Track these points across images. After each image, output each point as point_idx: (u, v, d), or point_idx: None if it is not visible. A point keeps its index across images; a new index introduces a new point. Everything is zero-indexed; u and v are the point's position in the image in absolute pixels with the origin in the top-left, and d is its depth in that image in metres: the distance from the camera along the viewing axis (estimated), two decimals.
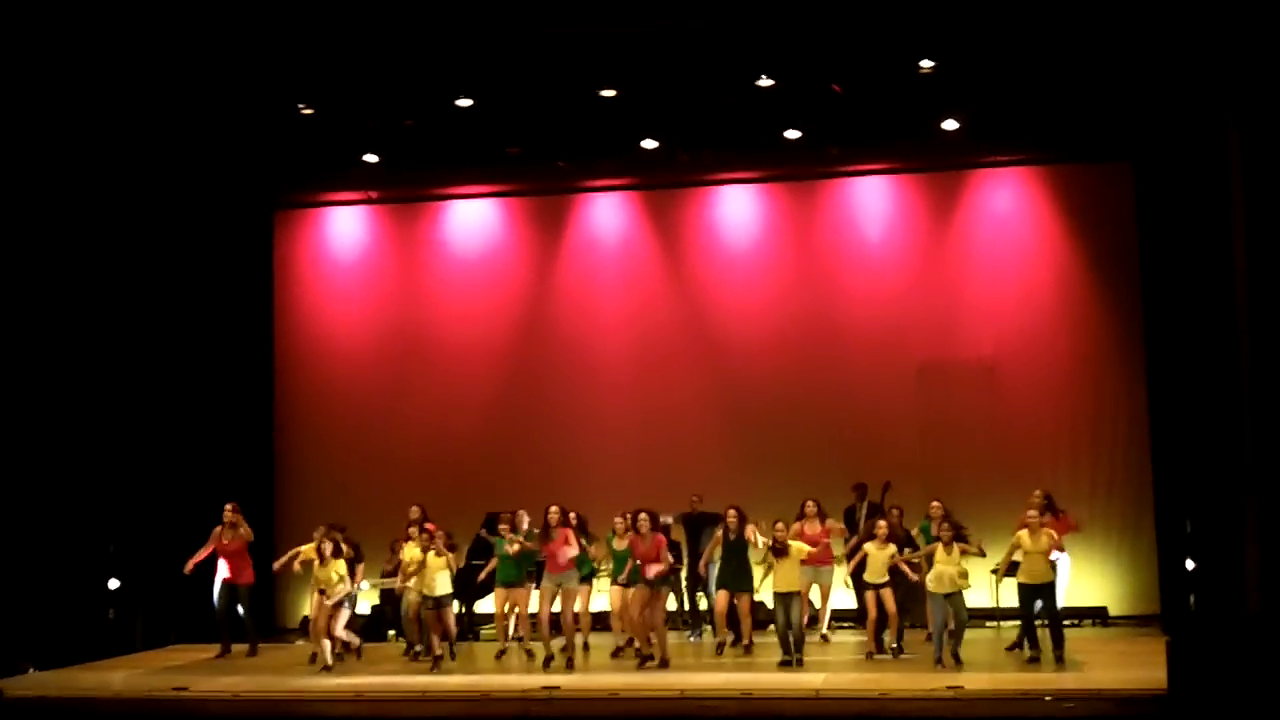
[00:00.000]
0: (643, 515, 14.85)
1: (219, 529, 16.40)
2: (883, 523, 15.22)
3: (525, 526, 15.82)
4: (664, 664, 14.58)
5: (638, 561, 14.83)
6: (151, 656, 16.75)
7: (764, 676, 14.06)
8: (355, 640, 15.73)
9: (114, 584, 17.40)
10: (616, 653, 15.63)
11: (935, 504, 15.17)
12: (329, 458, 19.71)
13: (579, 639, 15.69)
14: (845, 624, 17.31)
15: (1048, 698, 12.54)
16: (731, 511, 15.09)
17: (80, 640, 16.47)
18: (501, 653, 15.73)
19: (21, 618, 15.80)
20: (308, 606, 18.87)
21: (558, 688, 13.54)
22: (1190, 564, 16.62)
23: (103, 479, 17.29)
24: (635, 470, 18.69)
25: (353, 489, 18.93)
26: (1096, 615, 17.54)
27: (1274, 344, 14.16)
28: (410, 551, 15.24)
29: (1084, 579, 17.17)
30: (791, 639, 14.56)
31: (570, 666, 14.82)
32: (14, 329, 16.27)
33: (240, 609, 16.53)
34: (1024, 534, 14.42)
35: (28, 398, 16.42)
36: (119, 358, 17.74)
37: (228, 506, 16.48)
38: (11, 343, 16.25)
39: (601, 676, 14.28)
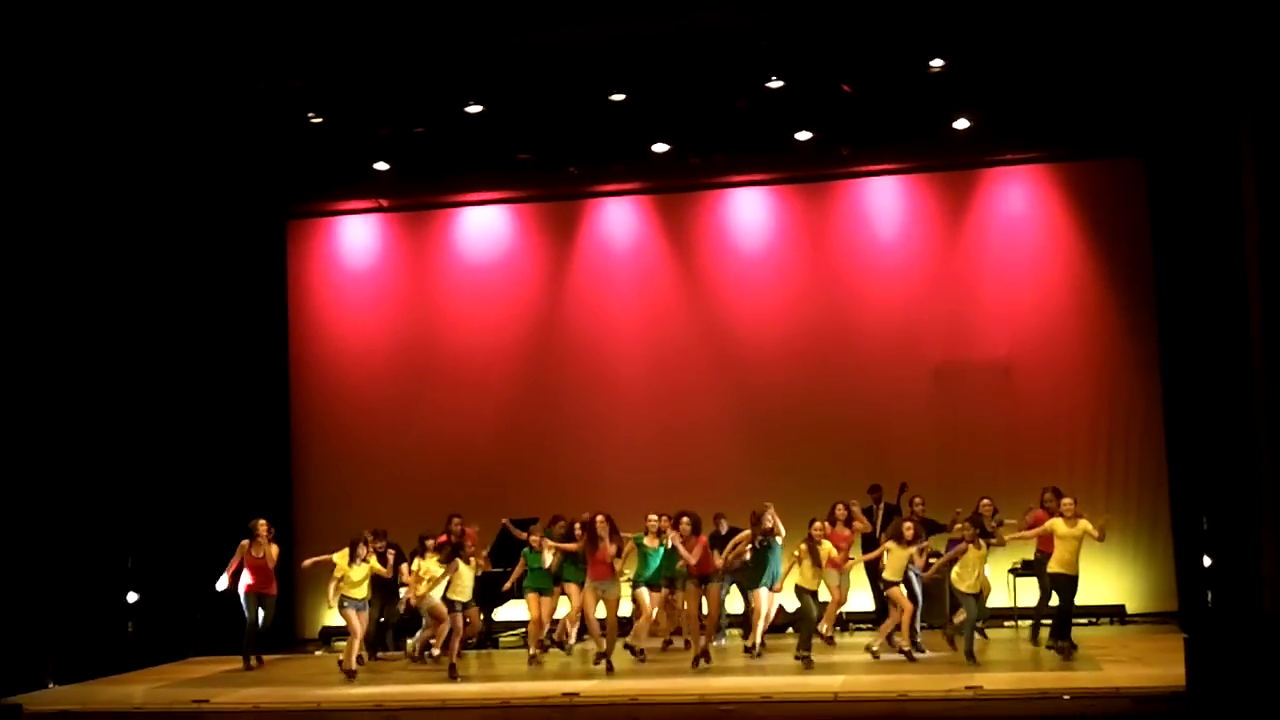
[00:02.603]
0: (684, 519, 14.99)
1: (246, 543, 16.36)
2: (908, 524, 15.24)
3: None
4: (705, 657, 14.75)
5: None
6: (171, 669, 16.78)
7: (783, 679, 14.06)
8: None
9: (132, 597, 17.46)
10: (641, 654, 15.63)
11: (985, 501, 15.38)
12: (344, 467, 19.72)
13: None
14: (863, 625, 17.33)
15: (1066, 696, 12.55)
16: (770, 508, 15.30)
17: (100, 654, 16.50)
18: (533, 658, 15.76)
19: (41, 632, 15.81)
20: (327, 617, 19.05)
21: (577, 694, 13.56)
22: (1207, 561, 16.62)
23: (120, 492, 17.32)
24: (650, 473, 18.70)
25: (369, 498, 18.94)
26: (1114, 613, 17.53)
27: None
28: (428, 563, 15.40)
29: (1101, 577, 17.18)
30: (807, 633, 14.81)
31: (610, 670, 14.85)
32: (27, 343, 16.28)
33: (261, 619, 16.49)
34: (1059, 521, 14.53)
35: (43, 412, 16.44)
36: (135, 371, 17.77)
37: (262, 523, 16.46)
38: (26, 356, 16.26)
39: (622, 682, 14.29)
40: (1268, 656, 11.38)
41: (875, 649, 15.05)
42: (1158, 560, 17.70)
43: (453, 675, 14.81)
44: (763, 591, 15.28)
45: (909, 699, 12.80)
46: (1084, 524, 14.52)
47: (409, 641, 16.50)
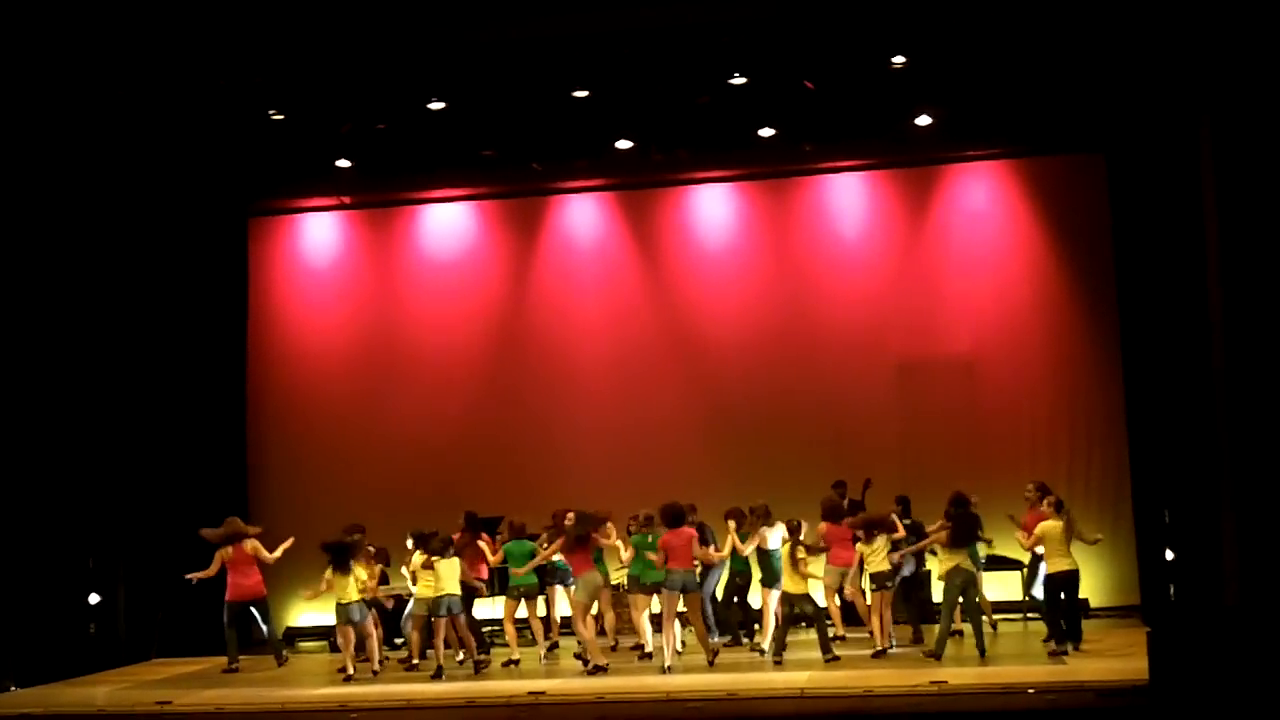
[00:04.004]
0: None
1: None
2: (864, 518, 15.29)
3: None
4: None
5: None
6: (134, 671, 16.71)
7: (749, 676, 14.10)
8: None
9: (94, 598, 17.31)
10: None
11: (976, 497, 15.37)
12: (304, 466, 19.60)
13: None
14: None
15: (1030, 690, 12.60)
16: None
17: (62, 656, 16.38)
18: (514, 661, 15.65)
19: (1, 635, 15.69)
20: (292, 618, 18.97)
21: (543, 693, 13.55)
22: (1169, 555, 16.71)
23: (80, 492, 17.16)
24: (615, 469, 18.70)
25: (329, 498, 18.74)
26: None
27: (1247, 334, 14.25)
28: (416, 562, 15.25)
29: None
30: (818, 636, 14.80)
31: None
32: None
33: (258, 619, 16.42)
34: (1044, 525, 14.60)
35: (2, 410, 16.30)
36: (93, 369, 17.60)
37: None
38: None
39: (588, 680, 14.27)
40: (1229, 649, 11.46)
41: (891, 645, 15.04)
42: (1120, 554, 17.75)
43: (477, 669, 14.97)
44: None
45: (874, 694, 12.82)
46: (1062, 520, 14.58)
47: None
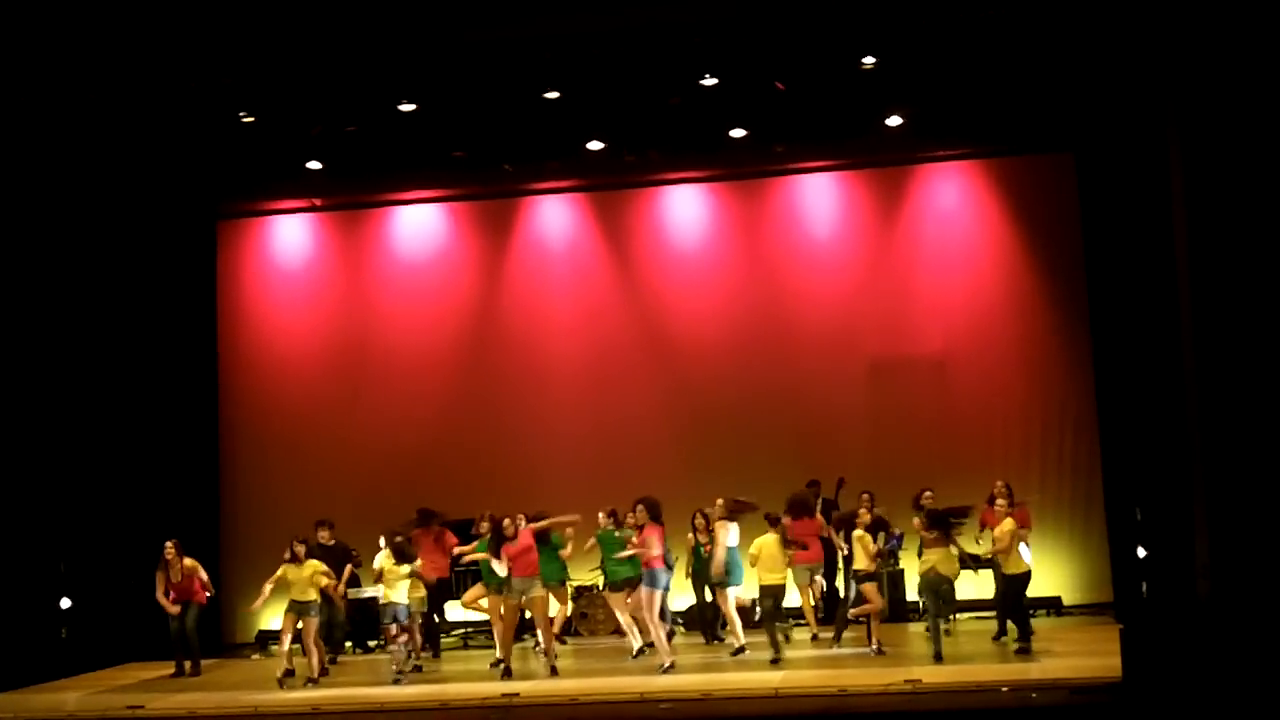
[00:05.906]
0: (640, 506, 14.90)
1: (160, 573, 16.20)
2: (864, 511, 15.30)
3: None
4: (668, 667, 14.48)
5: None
6: (105, 676, 16.60)
7: (723, 677, 14.09)
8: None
9: (65, 603, 17.21)
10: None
11: (928, 493, 15.32)
12: (276, 470, 19.55)
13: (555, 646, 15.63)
14: (801, 622, 17.31)
15: (1004, 689, 12.61)
16: (719, 503, 15.20)
17: (32, 661, 16.28)
18: (499, 662, 15.39)
19: None
20: (263, 621, 18.85)
21: (517, 695, 13.51)
22: (1141, 552, 16.78)
23: (50, 497, 17.06)
24: (588, 470, 18.73)
25: (301, 501, 18.65)
26: (1050, 605, 17.66)
27: (1217, 331, 14.29)
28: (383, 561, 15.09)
29: (1037, 569, 17.17)
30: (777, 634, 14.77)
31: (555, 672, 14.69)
32: None
33: (186, 626, 16.28)
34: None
35: None
36: (62, 374, 17.50)
37: (168, 545, 16.20)
38: None
39: (562, 682, 14.24)
40: (1202, 644, 11.50)
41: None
42: (1092, 551, 17.86)
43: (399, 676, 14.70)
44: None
45: (849, 693, 12.81)
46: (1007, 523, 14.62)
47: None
